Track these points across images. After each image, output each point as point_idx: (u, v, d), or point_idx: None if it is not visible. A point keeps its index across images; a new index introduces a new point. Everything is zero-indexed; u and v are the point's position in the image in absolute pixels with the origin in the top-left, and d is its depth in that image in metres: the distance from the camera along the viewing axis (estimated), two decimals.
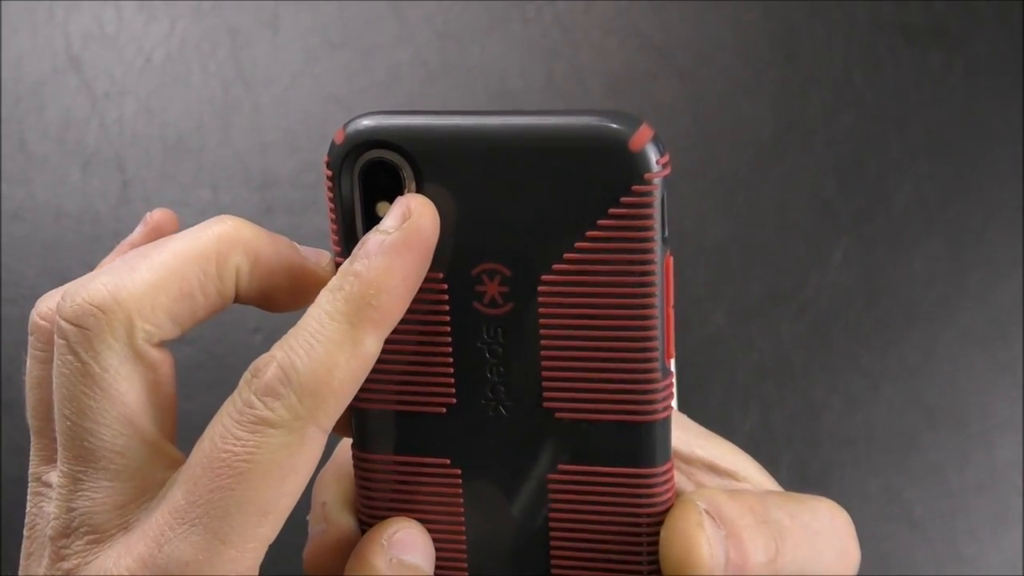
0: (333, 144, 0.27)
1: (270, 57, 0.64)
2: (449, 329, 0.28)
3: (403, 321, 0.27)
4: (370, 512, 0.30)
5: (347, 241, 0.28)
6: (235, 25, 0.63)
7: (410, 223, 0.26)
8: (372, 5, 0.62)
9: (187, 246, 0.27)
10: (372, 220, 0.27)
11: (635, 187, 0.26)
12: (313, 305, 0.26)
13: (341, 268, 0.26)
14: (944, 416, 0.58)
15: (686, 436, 0.31)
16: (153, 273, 0.26)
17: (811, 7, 0.64)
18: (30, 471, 0.30)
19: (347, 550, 0.29)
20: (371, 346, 0.26)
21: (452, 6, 0.63)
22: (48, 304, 0.29)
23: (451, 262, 0.28)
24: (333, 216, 0.28)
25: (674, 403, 0.29)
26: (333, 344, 0.25)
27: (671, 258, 0.27)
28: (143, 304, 0.26)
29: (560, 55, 0.63)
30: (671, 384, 0.28)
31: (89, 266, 0.31)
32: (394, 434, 0.29)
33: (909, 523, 0.56)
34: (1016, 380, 0.59)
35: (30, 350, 0.29)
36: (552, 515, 0.29)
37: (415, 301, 0.27)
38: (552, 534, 0.29)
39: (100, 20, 0.63)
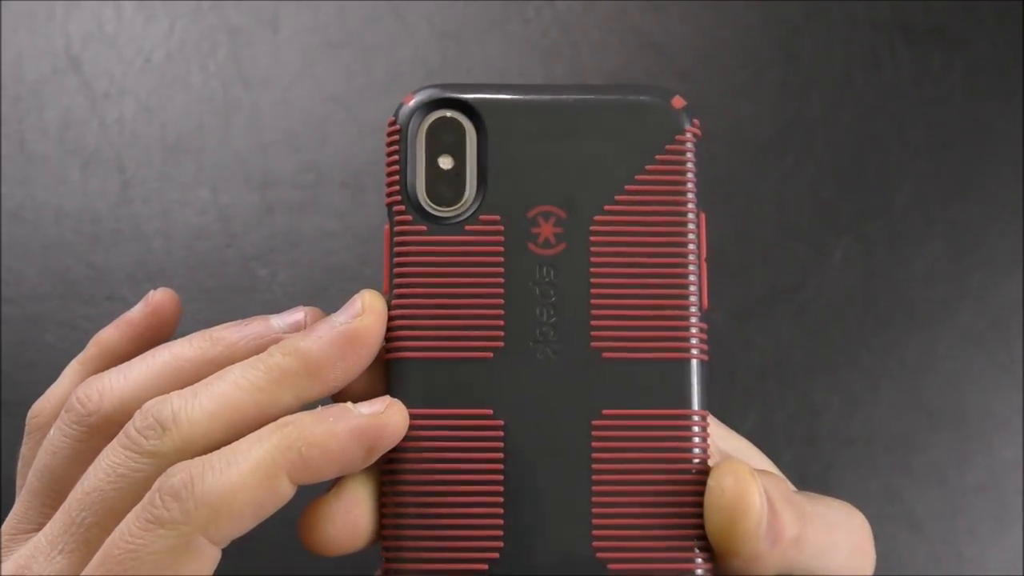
0: (402, 104, 0.30)
1: (270, 57, 0.64)
2: (503, 270, 0.30)
3: (457, 264, 0.30)
4: (400, 477, 0.29)
5: (407, 190, 0.30)
6: (235, 25, 0.63)
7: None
8: (372, 5, 0.62)
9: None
10: (435, 171, 0.30)
11: (678, 137, 0.30)
12: (253, 434, 0.26)
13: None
14: (944, 416, 0.58)
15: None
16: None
17: (811, 7, 0.64)
18: (8, 525, 0.29)
19: (350, 516, 0.29)
20: (285, 489, 0.26)
21: (452, 6, 0.63)
22: (90, 392, 0.29)
23: (508, 205, 0.30)
24: (395, 168, 0.30)
25: None
26: (249, 471, 0.25)
27: (704, 216, 0.30)
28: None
29: (560, 55, 0.63)
30: (706, 330, 0.30)
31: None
32: (433, 386, 0.29)
33: (909, 523, 0.56)
34: (1016, 380, 0.59)
35: (64, 427, 0.29)
36: (595, 464, 0.29)
37: (473, 244, 0.30)
38: (594, 482, 0.29)
39: (100, 20, 0.63)
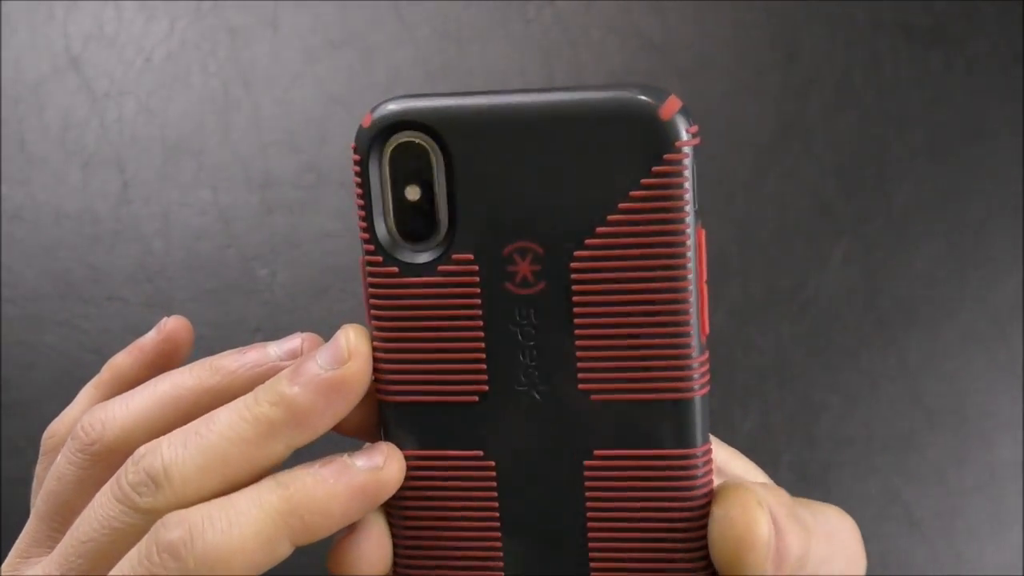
0: (360, 128, 0.27)
1: (270, 57, 0.64)
2: (481, 312, 0.28)
3: (432, 307, 0.27)
4: (401, 514, 0.29)
5: (374, 228, 0.28)
6: (235, 25, 0.63)
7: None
8: (372, 5, 0.62)
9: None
10: (402, 204, 0.27)
11: (667, 156, 0.26)
12: (253, 487, 0.27)
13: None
14: (944, 416, 0.58)
15: None
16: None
17: (811, 7, 0.64)
18: (19, 547, 0.30)
19: (375, 548, 0.29)
20: (284, 551, 0.26)
21: (452, 6, 0.63)
22: (93, 422, 0.30)
23: (482, 243, 0.27)
24: (361, 202, 0.28)
25: None
26: (250, 532, 0.26)
27: (703, 232, 0.27)
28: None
29: (560, 55, 0.63)
30: (707, 360, 0.28)
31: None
32: (423, 428, 0.29)
33: (909, 523, 0.56)
34: (1016, 380, 0.59)
35: (69, 454, 0.30)
36: (589, 504, 0.28)
37: (447, 286, 0.27)
38: (590, 523, 0.29)
39: (100, 20, 0.63)
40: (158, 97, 0.63)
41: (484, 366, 0.28)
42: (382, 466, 0.27)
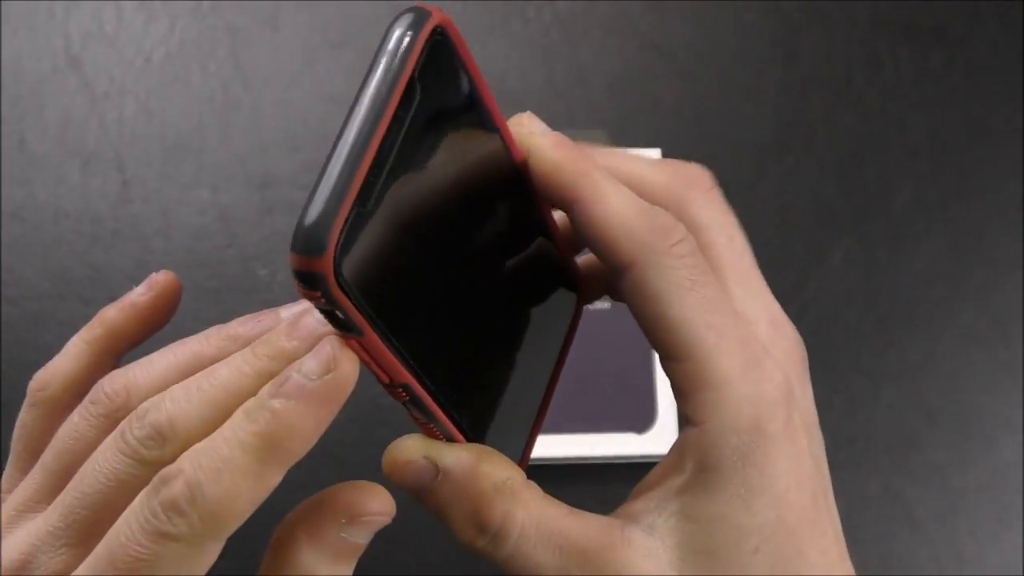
0: (312, 273, 0.24)
1: (270, 57, 0.64)
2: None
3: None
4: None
5: None
6: (235, 25, 0.63)
7: (332, 376, 0.27)
8: (372, 5, 0.62)
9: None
10: None
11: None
12: (228, 425, 0.27)
13: (261, 394, 0.27)
14: (944, 416, 0.58)
15: None
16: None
17: (811, 7, 0.64)
18: (18, 499, 0.31)
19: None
20: (274, 479, 0.27)
21: (452, 6, 0.63)
22: (117, 388, 0.30)
23: None
24: None
25: None
26: (240, 474, 0.26)
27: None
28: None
29: (560, 55, 0.63)
30: None
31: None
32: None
33: (910, 523, 0.56)
34: (1016, 380, 0.59)
35: (90, 417, 0.30)
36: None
37: None
38: None
39: (100, 20, 0.63)
40: (158, 97, 0.63)
41: None
42: (335, 367, 0.27)
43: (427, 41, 0.26)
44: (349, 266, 0.23)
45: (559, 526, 0.30)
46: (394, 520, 0.30)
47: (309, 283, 0.23)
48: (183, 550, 0.26)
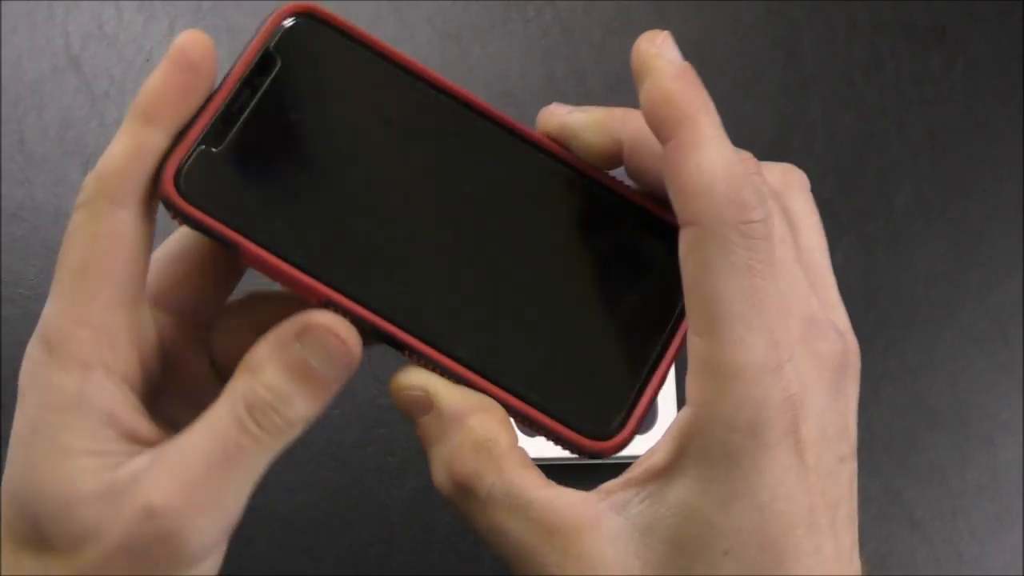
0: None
1: None
2: None
3: None
4: None
5: None
6: (235, 25, 0.63)
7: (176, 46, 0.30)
8: (372, 5, 0.62)
9: None
10: None
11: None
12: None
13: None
14: (945, 417, 0.58)
15: None
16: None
17: (811, 7, 0.64)
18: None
19: None
20: (154, 141, 0.29)
21: (452, 6, 0.63)
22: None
23: None
24: None
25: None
26: (119, 141, 0.30)
27: None
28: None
29: (560, 55, 0.63)
30: None
31: None
32: None
33: (909, 524, 0.56)
34: (1016, 380, 0.59)
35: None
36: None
37: None
38: None
39: (100, 20, 0.63)
40: None
41: None
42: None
43: (278, 25, 0.31)
44: (198, 191, 0.30)
45: (530, 497, 0.29)
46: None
47: (167, 207, 0.30)
48: (84, 213, 0.29)
